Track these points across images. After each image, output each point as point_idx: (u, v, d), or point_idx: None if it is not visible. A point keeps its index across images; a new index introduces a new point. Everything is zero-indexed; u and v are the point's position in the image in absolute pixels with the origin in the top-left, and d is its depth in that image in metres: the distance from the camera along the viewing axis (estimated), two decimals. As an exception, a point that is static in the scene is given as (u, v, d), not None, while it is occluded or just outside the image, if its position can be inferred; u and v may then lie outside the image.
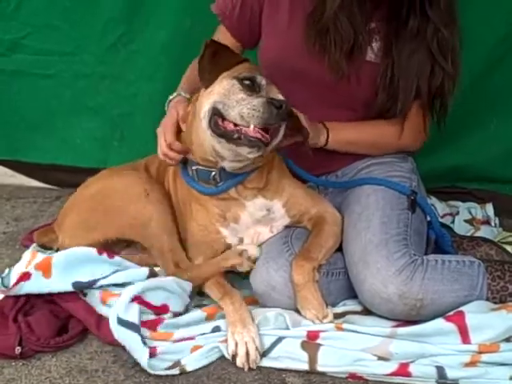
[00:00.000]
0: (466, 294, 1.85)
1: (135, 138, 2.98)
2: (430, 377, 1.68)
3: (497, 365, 1.71)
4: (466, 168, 2.82)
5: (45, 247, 2.27)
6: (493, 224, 2.62)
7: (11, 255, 2.41)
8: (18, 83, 2.99)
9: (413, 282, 1.80)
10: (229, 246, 2.01)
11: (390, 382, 1.71)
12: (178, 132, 1.93)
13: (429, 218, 2.11)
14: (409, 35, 2.00)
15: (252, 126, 1.71)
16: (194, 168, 1.95)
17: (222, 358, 1.80)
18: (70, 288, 1.95)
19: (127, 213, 2.04)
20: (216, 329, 1.85)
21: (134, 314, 1.80)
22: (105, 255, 2.03)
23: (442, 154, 2.80)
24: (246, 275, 2.00)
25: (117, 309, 1.80)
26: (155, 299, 1.89)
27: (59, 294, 1.96)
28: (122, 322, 1.78)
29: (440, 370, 1.68)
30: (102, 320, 1.90)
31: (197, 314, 1.92)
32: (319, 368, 1.73)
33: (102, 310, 1.93)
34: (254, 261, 1.95)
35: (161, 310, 1.90)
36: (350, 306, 1.95)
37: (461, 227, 2.58)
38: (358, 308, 1.93)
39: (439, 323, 1.78)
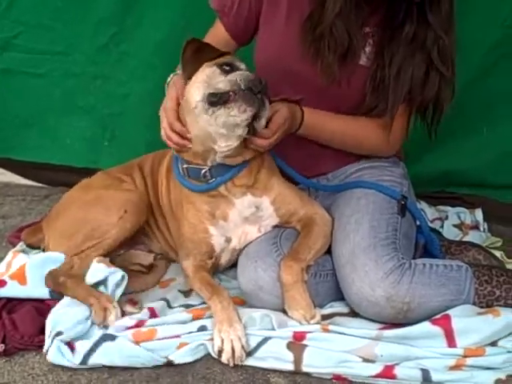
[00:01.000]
0: (453, 298, 1.85)
1: (126, 138, 2.97)
2: (414, 379, 1.69)
3: (482, 369, 1.72)
4: (456, 173, 2.81)
5: (32, 247, 2.26)
6: (481, 229, 2.62)
7: (-3, 252, 2.39)
8: (9, 82, 2.98)
9: (400, 286, 1.80)
10: (212, 249, 2.01)
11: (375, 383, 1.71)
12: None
13: (418, 223, 2.11)
14: (404, 40, 1.99)
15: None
16: (184, 166, 1.95)
17: (208, 356, 1.80)
18: (47, 295, 1.97)
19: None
20: (202, 328, 1.84)
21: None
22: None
23: (433, 159, 2.79)
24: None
25: None
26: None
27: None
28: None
29: (425, 372, 1.69)
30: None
31: (182, 315, 1.91)
32: (304, 368, 1.74)
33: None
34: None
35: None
36: (337, 307, 1.94)
37: (449, 232, 2.57)
38: (345, 310, 1.93)
39: (425, 326, 1.78)
